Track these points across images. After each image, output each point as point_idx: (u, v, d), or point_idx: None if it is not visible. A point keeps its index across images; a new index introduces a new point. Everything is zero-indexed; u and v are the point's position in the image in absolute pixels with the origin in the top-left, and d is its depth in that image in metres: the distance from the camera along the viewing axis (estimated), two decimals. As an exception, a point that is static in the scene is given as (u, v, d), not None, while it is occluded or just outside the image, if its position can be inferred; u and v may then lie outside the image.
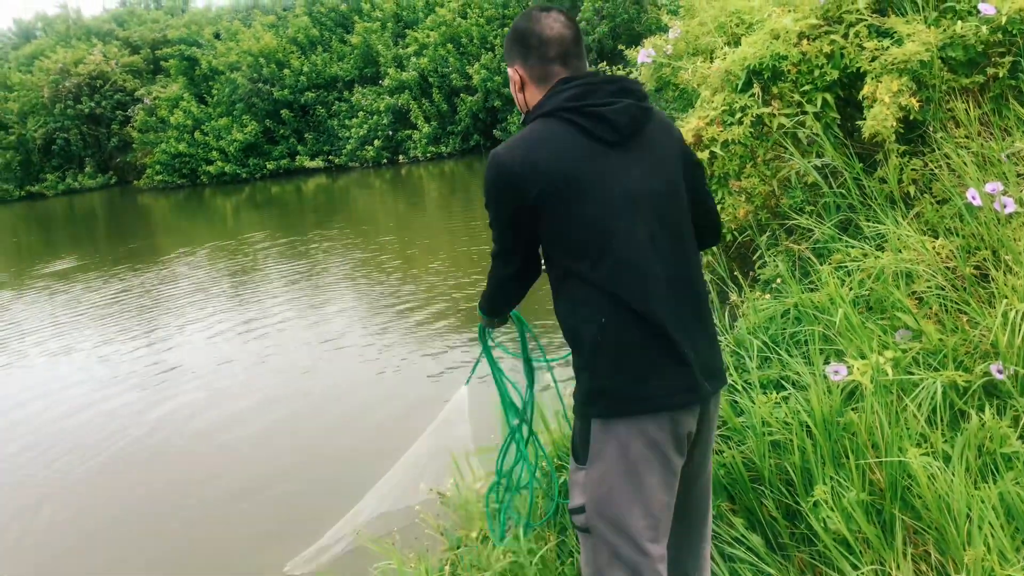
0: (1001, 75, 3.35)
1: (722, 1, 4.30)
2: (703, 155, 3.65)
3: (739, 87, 3.64)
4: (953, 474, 2.28)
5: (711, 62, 4.02)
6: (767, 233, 3.63)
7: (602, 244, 1.89)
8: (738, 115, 3.60)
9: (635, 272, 1.90)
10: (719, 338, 3.33)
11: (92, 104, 29.97)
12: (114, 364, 8.32)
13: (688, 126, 3.68)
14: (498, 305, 2.38)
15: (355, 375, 7.13)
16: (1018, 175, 3.21)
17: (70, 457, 6.08)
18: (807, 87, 3.55)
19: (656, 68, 4.37)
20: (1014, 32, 3.31)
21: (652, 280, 1.91)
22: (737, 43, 3.98)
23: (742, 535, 2.53)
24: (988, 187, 3.04)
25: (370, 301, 9.57)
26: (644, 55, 4.30)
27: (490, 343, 2.68)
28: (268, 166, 25.96)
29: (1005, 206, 3.00)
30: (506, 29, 22.78)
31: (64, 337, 9.68)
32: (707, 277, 3.81)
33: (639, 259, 1.90)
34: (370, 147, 24.47)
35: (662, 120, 2.05)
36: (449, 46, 23.44)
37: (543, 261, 2.08)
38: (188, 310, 10.26)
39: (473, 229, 12.99)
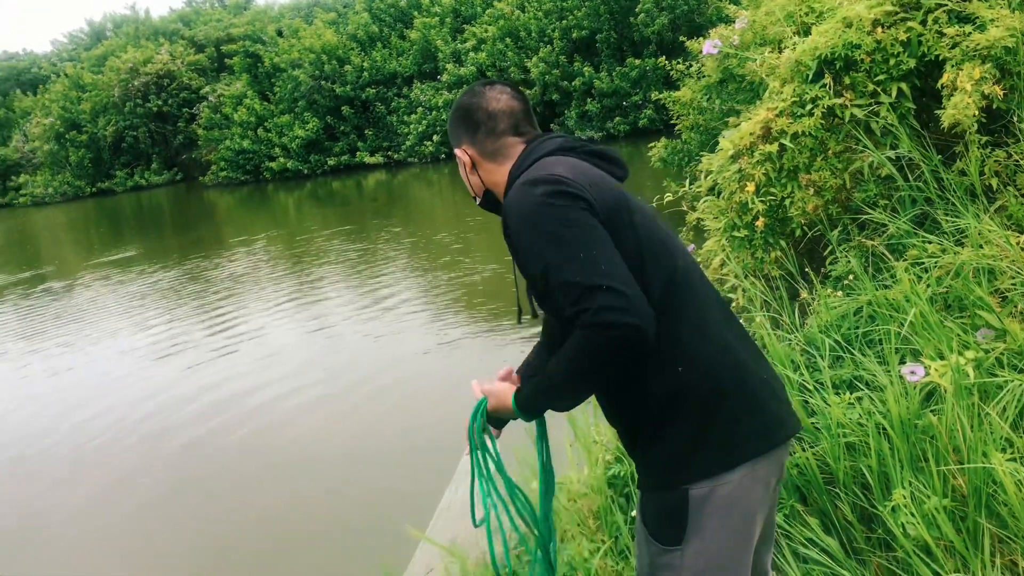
0: (1091, 61, 3.19)
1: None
2: (771, 147, 3.55)
3: (809, 77, 3.53)
4: (1040, 479, 2.18)
5: (780, 52, 3.91)
6: (838, 228, 3.52)
7: (670, 261, 1.65)
8: (808, 106, 3.50)
9: (701, 295, 1.68)
10: (788, 337, 3.26)
11: (159, 102, 30.80)
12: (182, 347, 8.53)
13: (757, 118, 3.59)
14: (580, 388, 1.64)
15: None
16: (1109, 166, 3.06)
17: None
18: (882, 76, 3.43)
19: (722, 59, 4.28)
20: (1106, 15, 3.15)
21: (712, 303, 1.71)
22: (807, 32, 3.87)
23: (817, 536, 2.45)
24: (1077, 179, 2.90)
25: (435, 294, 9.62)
26: (710, 46, 4.21)
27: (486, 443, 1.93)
28: (329, 162, 26.35)
29: (1095, 199, 2.86)
30: (564, 22, 22.72)
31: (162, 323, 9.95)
32: (776, 273, 3.72)
33: (699, 283, 1.71)
34: (429, 143, 24.63)
35: None
36: (507, 40, 23.46)
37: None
38: (262, 296, 10.47)
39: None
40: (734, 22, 9.24)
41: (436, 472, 5.02)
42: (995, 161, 3.25)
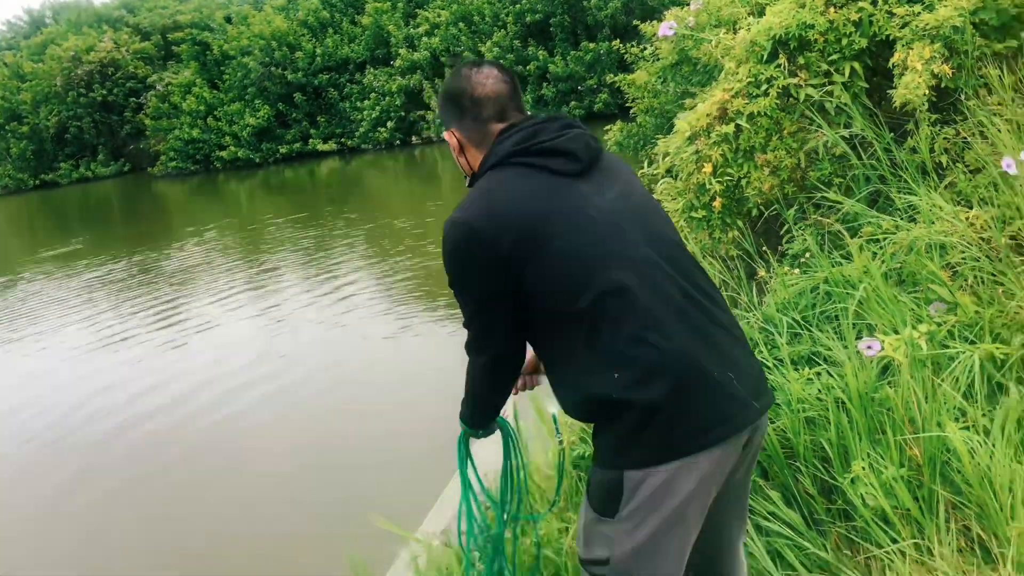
0: (1035, 40, 3.27)
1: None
2: (728, 128, 3.59)
3: (764, 58, 3.57)
4: (993, 447, 2.24)
5: (734, 33, 3.94)
6: (794, 207, 3.57)
7: (600, 276, 1.68)
8: (764, 87, 3.54)
9: (644, 300, 1.69)
10: (747, 315, 3.30)
11: (104, 92, 30.05)
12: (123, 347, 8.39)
13: (713, 99, 3.62)
14: (483, 407, 2.05)
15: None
16: (1054, 142, 3.14)
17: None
18: (835, 56, 3.48)
19: (678, 41, 4.30)
20: (1049, -6, 3.23)
21: (665, 303, 1.71)
22: (761, 13, 3.90)
23: (779, 510, 2.50)
24: None
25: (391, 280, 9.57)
26: (666, 28, 4.23)
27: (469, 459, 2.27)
28: (281, 150, 26.00)
29: (1041, 174, 2.94)
30: (518, 6, 22.65)
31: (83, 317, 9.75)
32: (733, 253, 3.76)
33: (645, 284, 1.70)
34: (383, 129, 24.44)
35: (610, 154, 1.93)
36: (461, 25, 23.34)
37: (531, 345, 1.88)
38: (209, 290, 10.31)
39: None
40: (689, 4, 9.28)
41: (401, 459, 5.02)
42: (944, 139, 3.32)
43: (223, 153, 26.31)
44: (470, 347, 1.88)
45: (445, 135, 1.95)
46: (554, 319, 1.75)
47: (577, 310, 1.69)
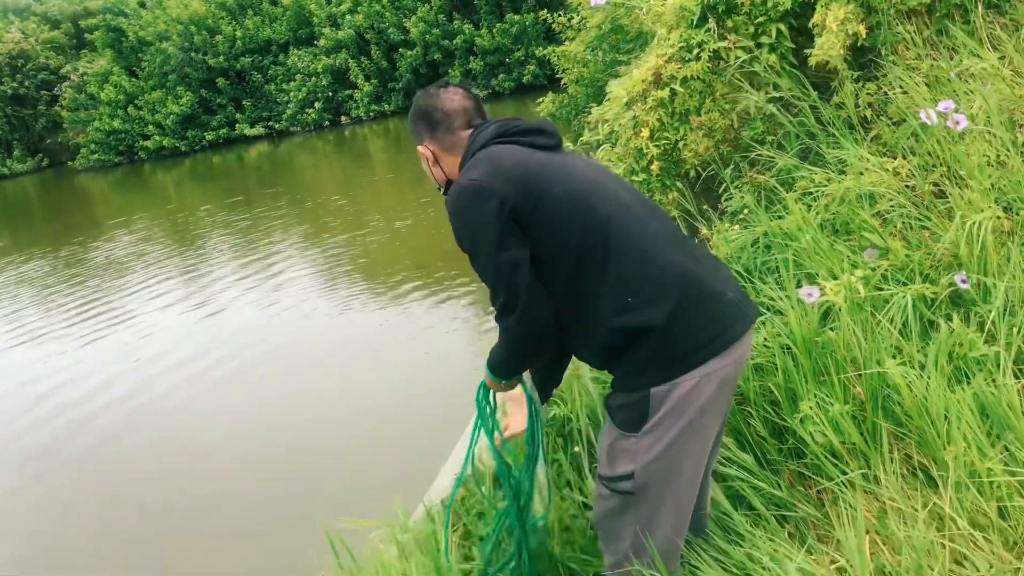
0: (947, -5, 3.44)
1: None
2: (663, 93, 3.70)
3: (694, 22, 3.68)
4: (928, 380, 2.41)
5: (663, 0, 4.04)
6: (730, 167, 3.70)
7: (600, 212, 1.91)
8: (695, 51, 3.65)
9: (636, 231, 1.92)
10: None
11: (15, 85, 28.91)
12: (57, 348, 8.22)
13: (647, 65, 3.72)
14: (516, 364, 2.13)
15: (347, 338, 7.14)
16: (967, 92, 3.32)
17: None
18: (761, 19, 3.61)
19: (610, 10, 4.38)
20: (958, -49, 3.40)
21: (653, 234, 1.95)
22: (688, -21, 4.00)
23: (733, 454, 2.64)
24: (940, 106, 3.13)
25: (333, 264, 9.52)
26: (597, -3, 4.31)
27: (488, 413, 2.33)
28: (208, 137, 25.41)
29: (958, 123, 3.11)
30: (441, -21, 22.45)
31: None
32: (674, 213, 3.89)
33: (633, 219, 1.94)
34: (311, 110, 24.06)
35: None
36: (384, 1, 23.00)
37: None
38: (142, 285, 10.12)
39: (421, 178, 12.94)
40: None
41: (355, 444, 5.06)
42: (867, 94, 3.48)
43: (147, 143, 25.59)
44: (499, 314, 1.94)
45: (419, 150, 2.16)
46: (566, 259, 1.90)
47: (586, 243, 1.88)
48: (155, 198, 19.53)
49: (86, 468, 5.54)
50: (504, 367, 2.11)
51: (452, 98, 2.11)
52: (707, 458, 2.07)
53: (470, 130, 2.10)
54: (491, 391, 2.29)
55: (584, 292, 1.92)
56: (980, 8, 3.48)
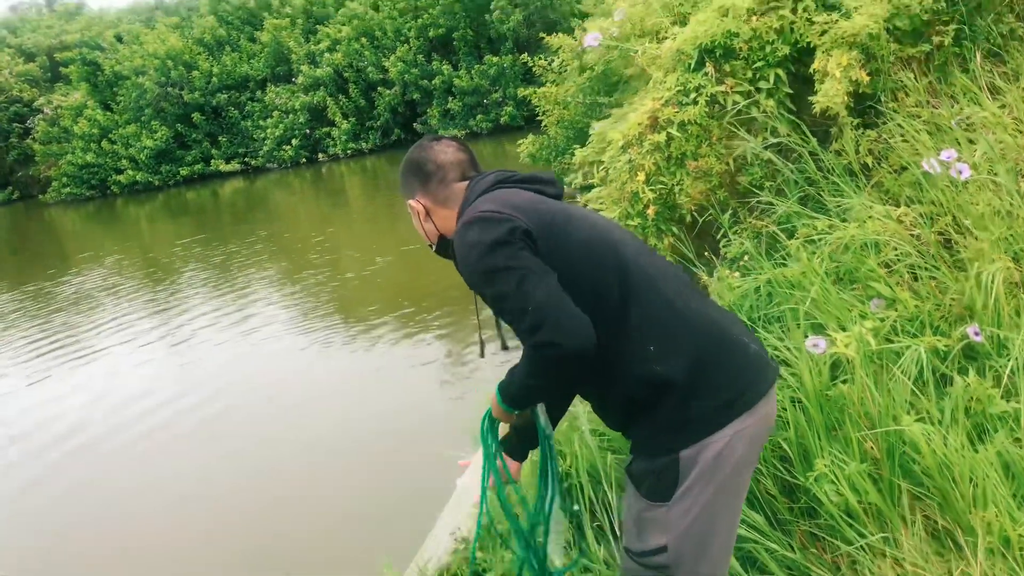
0: (946, 43, 3.43)
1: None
2: (659, 137, 3.63)
3: (691, 66, 3.63)
4: (946, 437, 2.32)
5: (659, 43, 4.00)
6: (728, 212, 3.63)
7: (618, 259, 1.80)
8: (693, 95, 3.59)
9: (654, 280, 1.82)
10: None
11: (-13, 117, 28.58)
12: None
13: (643, 108, 3.66)
14: (534, 395, 1.90)
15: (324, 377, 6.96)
16: (969, 141, 3.28)
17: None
18: (759, 64, 3.56)
19: (604, 52, 4.34)
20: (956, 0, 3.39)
21: (671, 282, 1.85)
22: (684, 23, 3.97)
23: (743, 515, 2.51)
24: (943, 154, 3.09)
25: (311, 306, 9.35)
26: (591, 39, 4.26)
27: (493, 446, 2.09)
28: (182, 172, 25.14)
29: (961, 172, 3.07)
30: (420, 20, 22.56)
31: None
32: (670, 258, 3.80)
33: (649, 269, 1.84)
34: (288, 147, 23.93)
35: None
36: (363, 40, 23.07)
37: None
38: (110, 320, 9.87)
39: (399, 216, 12.82)
40: (586, 18, 9.39)
41: (334, 496, 4.86)
42: (868, 141, 3.44)
43: (120, 177, 25.26)
44: (528, 332, 1.69)
45: (410, 204, 2.03)
46: (580, 303, 1.71)
47: (603, 284, 1.77)
48: (127, 233, 19.25)
49: (44, 524, 5.26)
50: (525, 392, 1.86)
51: (445, 150, 2.01)
52: (739, 515, 1.94)
53: (464, 182, 1.99)
54: (496, 423, 2.06)
55: (603, 338, 1.75)
56: (979, 57, 3.47)
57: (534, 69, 9.36)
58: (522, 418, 2.01)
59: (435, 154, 2.01)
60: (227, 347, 8.07)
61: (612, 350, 1.76)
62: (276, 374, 7.14)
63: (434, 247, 2.07)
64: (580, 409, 3.10)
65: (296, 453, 5.44)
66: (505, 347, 2.14)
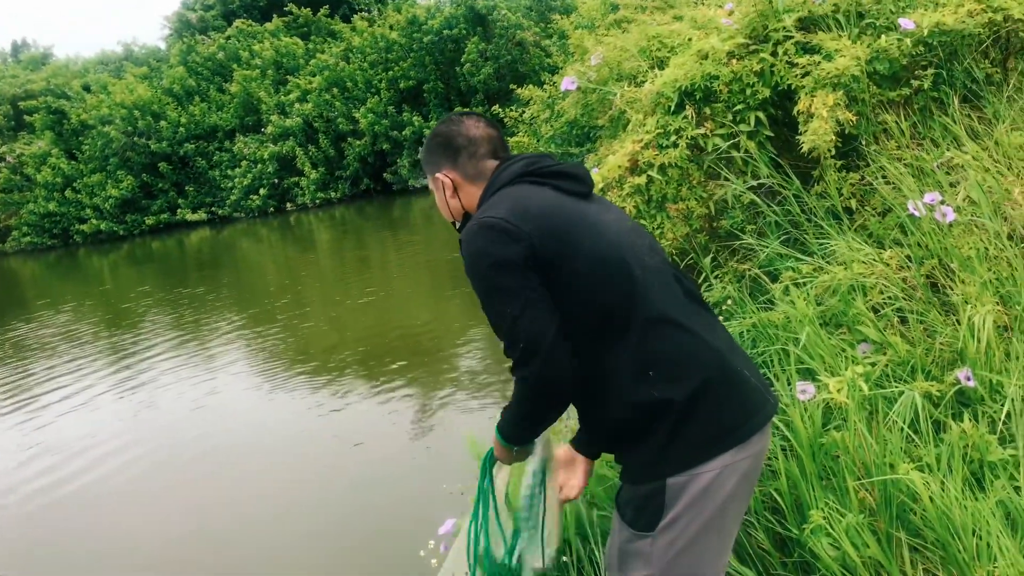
0: (925, 87, 3.42)
1: (639, 28, 4.27)
2: (639, 180, 3.57)
3: (672, 109, 3.59)
4: (943, 485, 2.22)
5: (636, 86, 3.97)
6: (710, 255, 3.56)
7: (625, 277, 1.74)
8: (673, 137, 3.54)
9: (661, 301, 1.75)
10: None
11: (-52, 165, 28.11)
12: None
13: (623, 150, 3.60)
14: (531, 424, 1.85)
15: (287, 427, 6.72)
16: (951, 184, 3.26)
17: None
18: (739, 107, 3.53)
19: (583, 95, 4.30)
20: (934, 44, 3.39)
21: (680, 305, 1.79)
22: (662, 66, 3.95)
23: (734, 569, 2.39)
24: (927, 197, 3.06)
25: (270, 355, 9.12)
26: (568, 82, 4.22)
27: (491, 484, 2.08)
28: (147, 221, 24.83)
29: (945, 215, 3.03)
30: (390, 73, 22.70)
31: None
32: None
33: (659, 288, 1.78)
34: (255, 196, 23.75)
35: None
36: (334, 91, 23.14)
37: None
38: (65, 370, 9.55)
39: (367, 266, 12.69)
40: (557, 70, 9.43)
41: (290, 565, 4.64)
42: (850, 184, 3.40)
43: (84, 226, 24.88)
44: (517, 364, 1.71)
45: (434, 179, 1.97)
46: (586, 319, 1.73)
47: (609, 305, 1.72)
48: (88, 281, 18.85)
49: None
50: (520, 427, 1.86)
51: (476, 124, 1.95)
52: (727, 560, 1.84)
53: (494, 161, 1.93)
54: (494, 462, 2.05)
55: (602, 357, 1.74)
56: (956, 102, 3.46)
57: (505, 120, 9.38)
58: (524, 454, 1.97)
59: (466, 128, 1.94)
60: (184, 398, 7.80)
61: (610, 369, 1.73)
62: (233, 424, 6.90)
63: (457, 225, 2.00)
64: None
65: (256, 514, 5.20)
66: None
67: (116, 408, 7.89)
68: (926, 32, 3.31)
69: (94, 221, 24.79)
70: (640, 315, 1.72)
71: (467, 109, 2.01)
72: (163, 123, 24.64)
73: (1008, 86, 3.49)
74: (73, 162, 25.65)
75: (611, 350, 1.73)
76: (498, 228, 1.70)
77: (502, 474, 2.11)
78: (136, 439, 6.89)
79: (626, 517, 1.80)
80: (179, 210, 24.81)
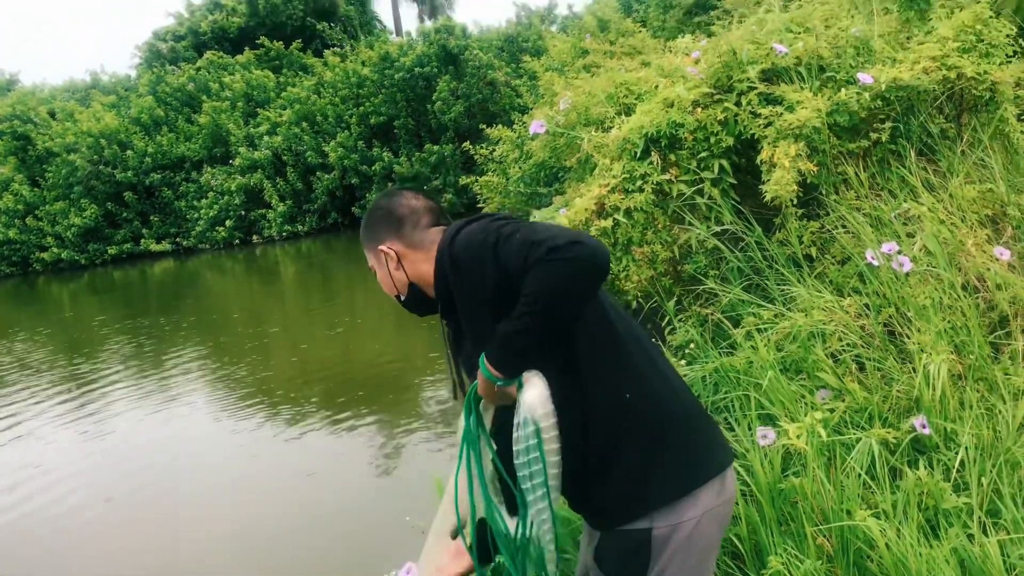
0: (883, 140, 3.51)
1: (607, 74, 4.35)
2: (606, 223, 3.61)
3: (637, 155, 3.65)
4: (899, 532, 2.25)
5: (604, 132, 4.03)
6: (673, 299, 3.61)
7: (601, 308, 1.76)
8: (639, 182, 3.60)
9: (638, 334, 1.81)
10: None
11: (-95, 189, 27.58)
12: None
13: (590, 194, 3.65)
14: (550, 318, 1.55)
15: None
16: (908, 234, 3.34)
17: None
18: (704, 154, 3.60)
19: (552, 138, 4.36)
20: (892, 99, 3.49)
21: (650, 345, 1.83)
22: (628, 112, 4.02)
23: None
24: (885, 247, 3.14)
25: (226, 389, 9.01)
26: (537, 125, 4.28)
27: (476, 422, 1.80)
28: (110, 251, 24.52)
29: (903, 265, 3.10)
30: (361, 108, 22.80)
31: None
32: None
33: (632, 325, 1.83)
34: (221, 228, 23.60)
35: None
36: (304, 124, 23.15)
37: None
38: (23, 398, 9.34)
39: (333, 300, 12.61)
40: (528, 110, 9.54)
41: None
42: (811, 232, 3.47)
43: (44, 255, 24.50)
44: (562, 245, 1.50)
45: (377, 253, 1.92)
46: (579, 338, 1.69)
47: (601, 316, 1.73)
48: (45, 311, 18.51)
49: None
50: (518, 333, 1.56)
51: (416, 196, 1.96)
52: None
53: (438, 228, 1.91)
54: (479, 401, 1.77)
55: (587, 370, 1.71)
56: (912, 155, 3.56)
57: (475, 157, 9.46)
58: (506, 396, 1.70)
59: (406, 199, 1.94)
60: (139, 428, 7.66)
61: (590, 386, 1.71)
62: (184, 455, 6.79)
63: (402, 298, 1.94)
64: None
65: (210, 551, 5.10)
66: (455, 397, 1.94)
67: (64, 436, 7.73)
68: (884, 87, 3.41)
69: (55, 250, 24.43)
70: (621, 343, 1.75)
71: (402, 187, 1.94)
72: (129, 152, 24.47)
73: (962, 141, 3.61)
74: (36, 189, 25.31)
75: (596, 368, 1.72)
76: (493, 216, 1.74)
77: (487, 416, 1.83)
78: (81, 469, 6.74)
79: (608, 571, 1.78)
80: (143, 240, 24.56)
